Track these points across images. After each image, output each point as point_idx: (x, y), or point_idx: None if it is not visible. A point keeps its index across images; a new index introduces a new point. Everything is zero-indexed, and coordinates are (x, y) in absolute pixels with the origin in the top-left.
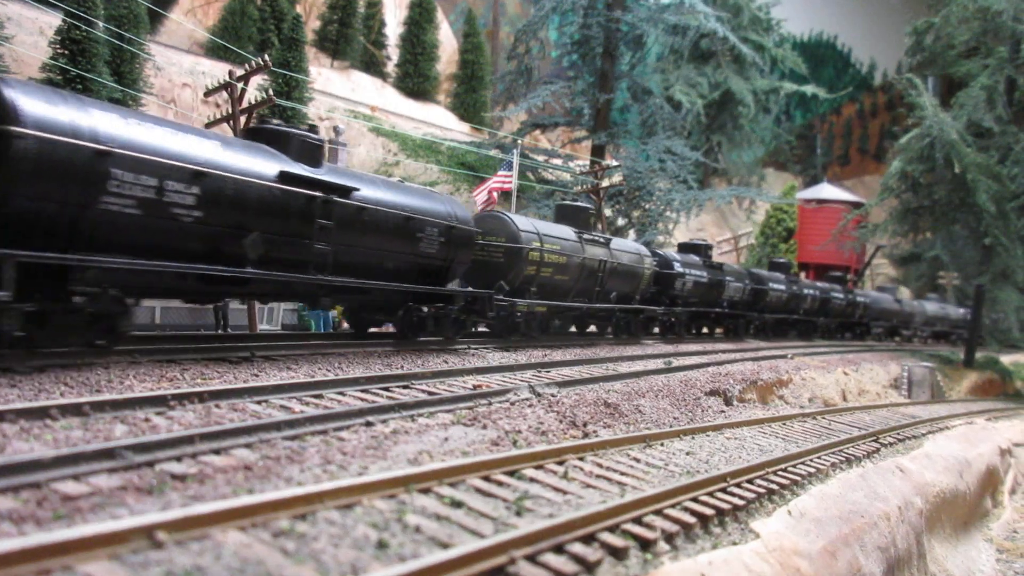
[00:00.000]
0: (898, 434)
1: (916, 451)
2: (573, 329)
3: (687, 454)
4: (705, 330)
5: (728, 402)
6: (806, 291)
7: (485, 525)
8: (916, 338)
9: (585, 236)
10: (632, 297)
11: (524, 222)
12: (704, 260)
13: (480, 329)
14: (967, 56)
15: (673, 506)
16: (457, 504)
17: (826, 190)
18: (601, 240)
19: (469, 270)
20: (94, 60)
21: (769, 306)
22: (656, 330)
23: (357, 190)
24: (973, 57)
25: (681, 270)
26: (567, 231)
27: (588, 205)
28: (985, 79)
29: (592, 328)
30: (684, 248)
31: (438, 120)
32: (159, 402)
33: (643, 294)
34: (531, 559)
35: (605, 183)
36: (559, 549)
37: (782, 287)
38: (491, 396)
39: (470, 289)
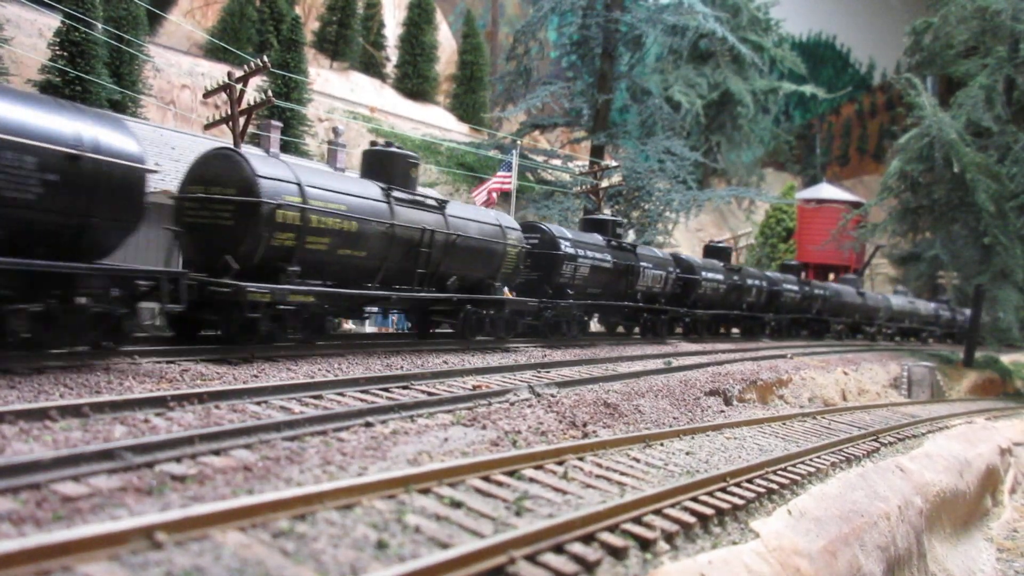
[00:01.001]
0: (898, 433)
1: (916, 451)
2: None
3: (687, 454)
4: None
5: (728, 402)
6: (750, 282)
7: (485, 525)
8: (880, 336)
9: (397, 195)
10: (492, 283)
11: (274, 167)
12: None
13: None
14: (966, 56)
15: (673, 506)
16: (457, 504)
17: (825, 190)
18: (430, 203)
19: (185, 241)
20: (93, 62)
21: (703, 300)
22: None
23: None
24: (972, 57)
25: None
26: (366, 186)
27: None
28: (984, 79)
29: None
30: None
31: (437, 121)
32: (159, 403)
33: (504, 278)
34: (531, 559)
35: (604, 184)
36: (559, 549)
37: (719, 276)
38: (491, 396)
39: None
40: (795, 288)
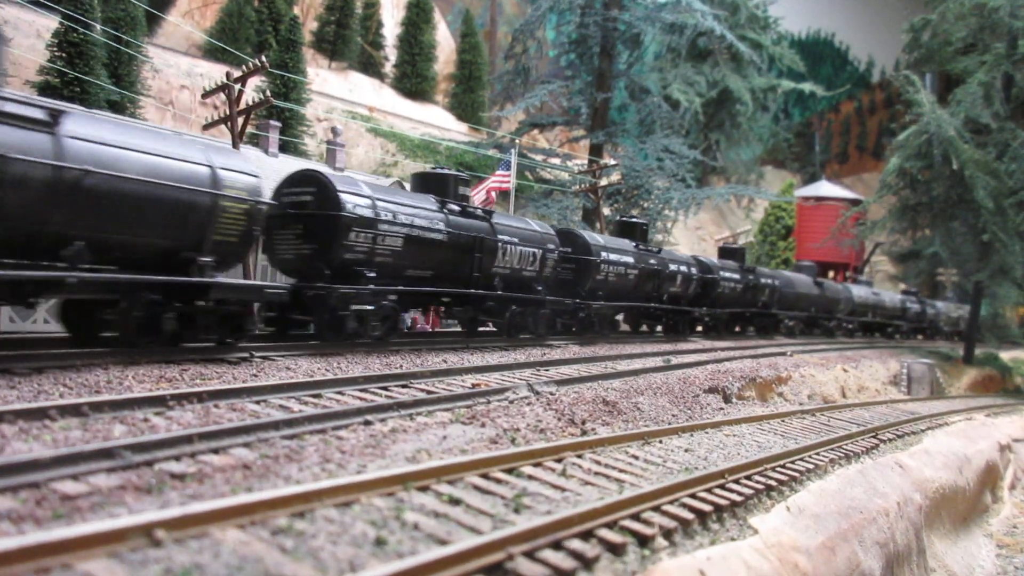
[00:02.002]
0: (897, 430)
1: (915, 447)
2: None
3: (685, 451)
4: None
5: (727, 399)
6: (672, 267)
7: (483, 522)
8: (840, 331)
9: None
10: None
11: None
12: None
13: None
14: (964, 53)
15: (671, 502)
16: (455, 501)
17: (824, 188)
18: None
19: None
20: (92, 62)
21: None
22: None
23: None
24: (970, 54)
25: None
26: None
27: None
28: (982, 75)
29: None
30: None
31: (436, 120)
32: (158, 402)
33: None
34: (529, 555)
35: (603, 182)
36: (557, 545)
37: (629, 259)
38: (490, 395)
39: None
40: (735, 277)
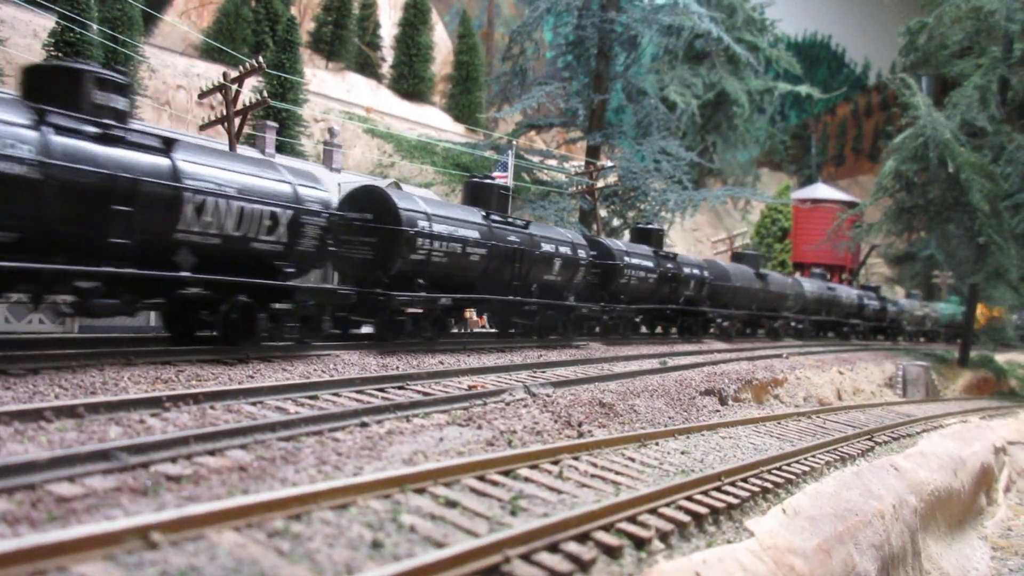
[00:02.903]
0: (893, 432)
1: (911, 449)
2: None
3: (682, 453)
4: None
5: (723, 401)
6: (547, 247)
7: (480, 524)
8: (787, 332)
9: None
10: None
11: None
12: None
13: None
14: (960, 56)
15: (668, 505)
16: (452, 504)
17: (821, 190)
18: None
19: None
20: (88, 62)
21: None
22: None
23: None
24: (966, 57)
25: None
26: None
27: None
28: (978, 79)
29: None
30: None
31: (433, 121)
32: (154, 404)
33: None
34: (526, 558)
35: (600, 184)
36: (554, 548)
37: (649, 264)
38: (486, 396)
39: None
40: (647, 265)
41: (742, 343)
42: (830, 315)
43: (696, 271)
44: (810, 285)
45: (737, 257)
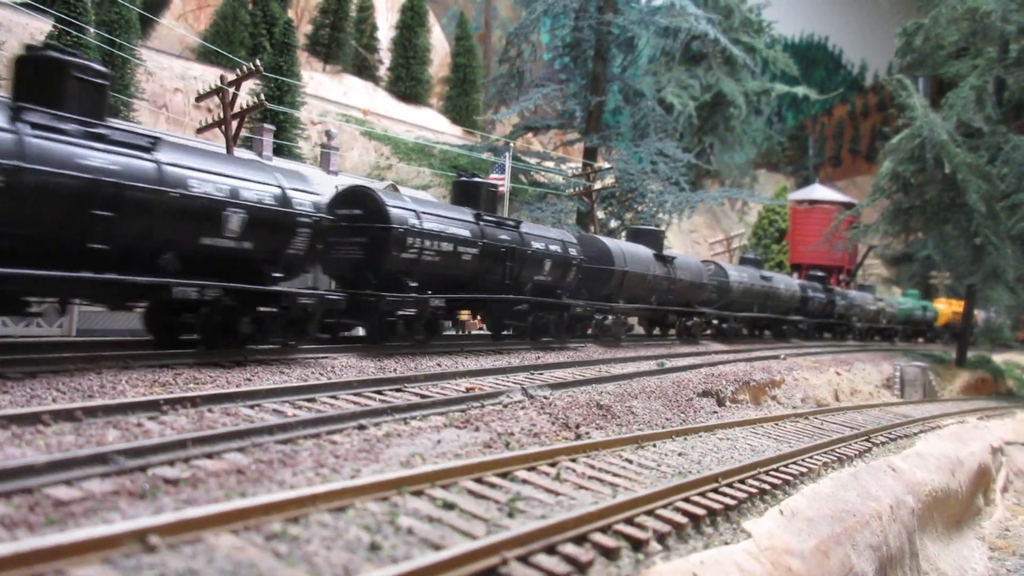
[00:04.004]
0: (890, 433)
1: (908, 450)
2: None
3: (679, 455)
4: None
5: (721, 403)
6: (537, 245)
7: (477, 527)
8: (703, 332)
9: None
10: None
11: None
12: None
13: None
14: (957, 57)
15: (665, 506)
16: (449, 506)
17: (818, 191)
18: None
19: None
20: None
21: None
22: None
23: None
24: (962, 58)
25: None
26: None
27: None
28: (974, 80)
29: None
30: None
31: (430, 123)
32: (152, 407)
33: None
34: (523, 560)
35: (597, 185)
36: (551, 550)
37: (540, 248)
38: (484, 399)
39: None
40: (461, 235)
41: (680, 346)
42: (764, 310)
43: (554, 248)
44: (737, 273)
45: (634, 234)
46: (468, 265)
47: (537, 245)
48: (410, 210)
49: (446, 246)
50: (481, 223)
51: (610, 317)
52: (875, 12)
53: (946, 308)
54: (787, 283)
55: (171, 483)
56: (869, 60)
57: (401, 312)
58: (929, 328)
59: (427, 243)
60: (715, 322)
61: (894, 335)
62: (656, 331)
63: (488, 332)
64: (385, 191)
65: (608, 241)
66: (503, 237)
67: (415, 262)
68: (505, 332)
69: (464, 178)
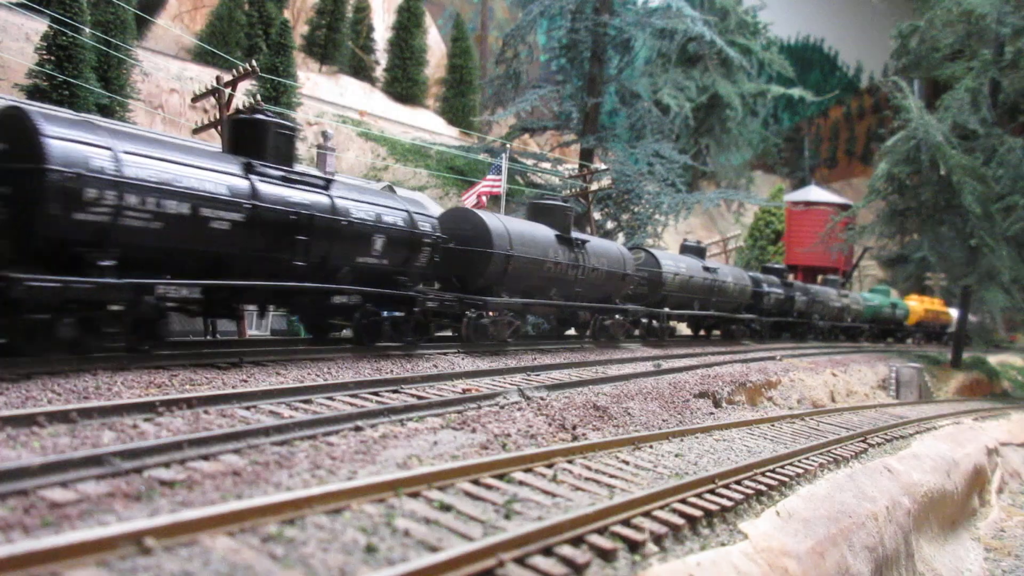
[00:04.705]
0: (886, 434)
1: (904, 451)
2: None
3: (676, 456)
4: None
5: (717, 404)
6: (361, 215)
7: (474, 528)
8: (625, 333)
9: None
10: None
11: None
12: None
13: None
14: (952, 59)
15: (661, 508)
16: (446, 508)
17: (813, 192)
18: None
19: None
20: (81, 66)
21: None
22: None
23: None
24: (958, 60)
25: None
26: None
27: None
28: (970, 82)
29: None
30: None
31: (427, 124)
32: (147, 408)
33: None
34: (519, 562)
35: (594, 187)
36: (548, 551)
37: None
38: (480, 400)
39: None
40: (292, 202)
41: (677, 347)
42: (708, 307)
43: (391, 219)
44: (673, 263)
45: (534, 210)
46: (225, 237)
47: (361, 215)
48: (96, 146)
49: (176, 206)
50: (254, 177)
51: (487, 315)
52: (871, 14)
53: (918, 306)
54: (737, 276)
55: (167, 485)
56: (865, 62)
57: (113, 308)
58: (899, 327)
59: (131, 199)
60: (645, 321)
61: (860, 334)
62: (575, 332)
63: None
64: (490, 216)
65: (488, 216)
66: (295, 200)
67: (107, 228)
68: (336, 334)
69: (243, 115)
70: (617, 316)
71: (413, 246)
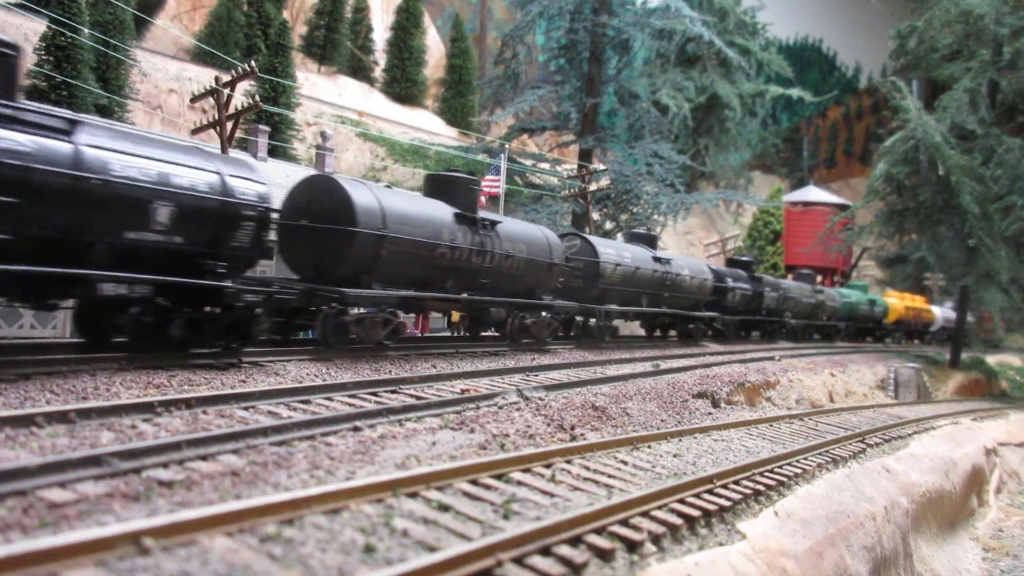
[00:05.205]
0: (884, 434)
1: (902, 451)
2: None
3: (674, 456)
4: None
5: (716, 404)
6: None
7: (472, 528)
8: (552, 337)
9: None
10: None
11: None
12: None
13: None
14: (950, 59)
15: (660, 508)
16: (444, 508)
17: (812, 192)
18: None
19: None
20: (79, 66)
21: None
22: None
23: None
24: (956, 60)
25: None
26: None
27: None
28: (968, 82)
29: None
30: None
31: (426, 125)
32: (146, 409)
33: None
34: (518, 561)
35: (592, 187)
36: (546, 551)
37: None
38: (479, 400)
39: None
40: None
41: (675, 347)
42: (660, 303)
43: (182, 180)
44: (615, 252)
45: (433, 186)
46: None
47: (130, 173)
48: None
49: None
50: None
51: (354, 310)
52: (869, 14)
53: (898, 303)
54: (695, 268)
55: (165, 485)
56: (863, 62)
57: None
58: (878, 325)
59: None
60: (581, 320)
61: (835, 334)
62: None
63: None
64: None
65: (353, 185)
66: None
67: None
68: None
69: None
70: (543, 313)
71: (226, 220)
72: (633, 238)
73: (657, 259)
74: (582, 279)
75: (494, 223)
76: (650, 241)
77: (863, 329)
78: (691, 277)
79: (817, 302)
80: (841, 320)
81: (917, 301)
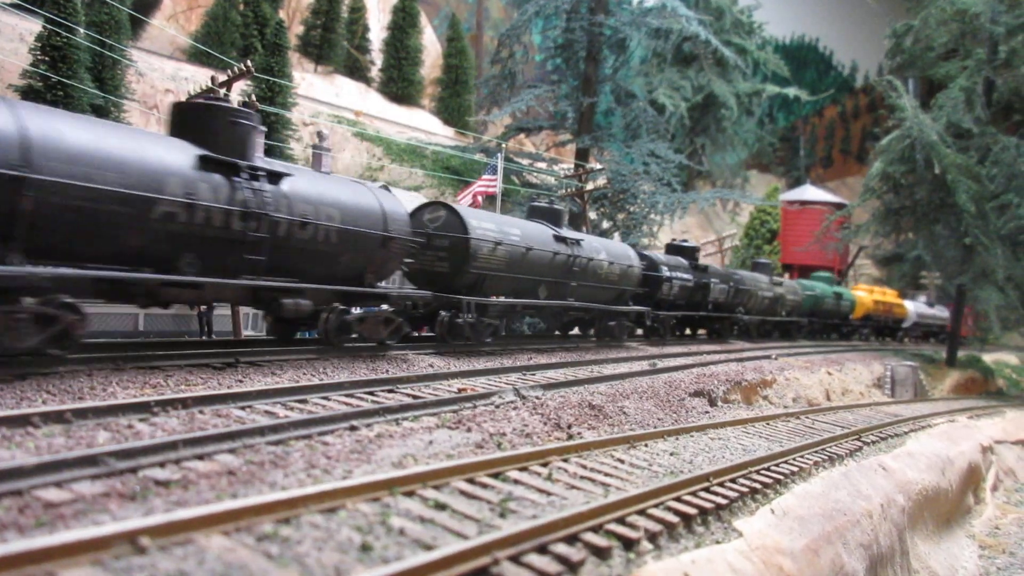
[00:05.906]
0: (881, 433)
1: (899, 449)
2: None
3: (671, 454)
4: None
5: (712, 403)
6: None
7: (469, 527)
8: (389, 335)
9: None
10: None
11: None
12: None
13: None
14: (946, 58)
15: (656, 506)
16: (441, 506)
17: (809, 191)
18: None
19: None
20: (75, 66)
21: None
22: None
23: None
24: (952, 59)
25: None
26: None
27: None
28: (964, 81)
29: None
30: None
31: (422, 124)
32: (142, 408)
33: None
34: (514, 560)
35: (589, 186)
36: (542, 550)
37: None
38: (476, 399)
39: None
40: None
41: (673, 346)
42: (566, 295)
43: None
44: (495, 227)
45: (179, 118)
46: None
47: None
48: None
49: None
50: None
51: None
52: (866, 13)
53: (866, 297)
54: (616, 253)
55: (162, 484)
56: (860, 61)
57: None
58: (844, 321)
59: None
60: (445, 315)
61: (797, 331)
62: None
63: None
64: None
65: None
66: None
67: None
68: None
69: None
70: (383, 306)
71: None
72: (533, 213)
73: (561, 239)
74: (448, 262)
75: (279, 174)
76: (554, 217)
77: (828, 324)
78: (610, 263)
79: (775, 295)
80: (804, 315)
81: (888, 295)
